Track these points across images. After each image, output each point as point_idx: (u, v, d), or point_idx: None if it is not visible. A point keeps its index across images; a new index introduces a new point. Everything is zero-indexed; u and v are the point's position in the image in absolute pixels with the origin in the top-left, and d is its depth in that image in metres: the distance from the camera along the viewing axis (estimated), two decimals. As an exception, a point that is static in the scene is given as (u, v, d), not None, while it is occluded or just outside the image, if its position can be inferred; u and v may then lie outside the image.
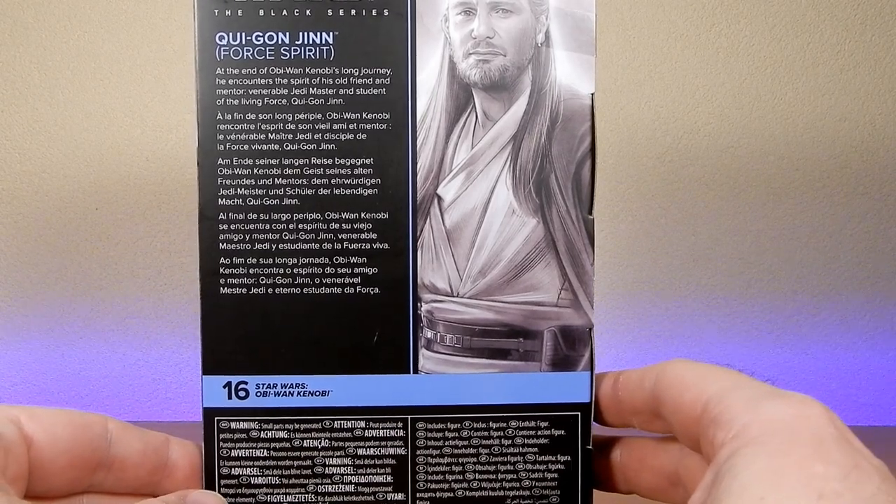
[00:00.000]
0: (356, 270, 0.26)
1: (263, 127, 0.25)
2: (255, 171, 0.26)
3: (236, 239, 0.26)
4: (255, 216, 0.26)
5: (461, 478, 0.27)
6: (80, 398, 0.60)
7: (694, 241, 0.60)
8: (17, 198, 0.59)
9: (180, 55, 0.58)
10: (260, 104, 0.25)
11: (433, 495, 0.27)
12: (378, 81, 0.25)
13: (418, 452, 0.26)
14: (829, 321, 0.61)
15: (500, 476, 0.27)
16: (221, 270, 0.26)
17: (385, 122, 0.25)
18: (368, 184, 0.26)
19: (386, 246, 0.26)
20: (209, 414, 0.27)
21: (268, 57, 0.25)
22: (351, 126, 0.25)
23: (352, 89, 0.25)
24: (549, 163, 0.25)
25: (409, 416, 0.26)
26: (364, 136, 0.26)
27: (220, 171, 0.26)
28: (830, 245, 0.60)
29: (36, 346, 0.60)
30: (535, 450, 0.26)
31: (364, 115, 0.25)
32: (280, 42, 0.25)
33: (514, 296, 0.25)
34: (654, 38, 0.59)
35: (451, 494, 0.27)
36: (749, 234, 0.60)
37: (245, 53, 0.25)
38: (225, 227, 0.26)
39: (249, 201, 0.26)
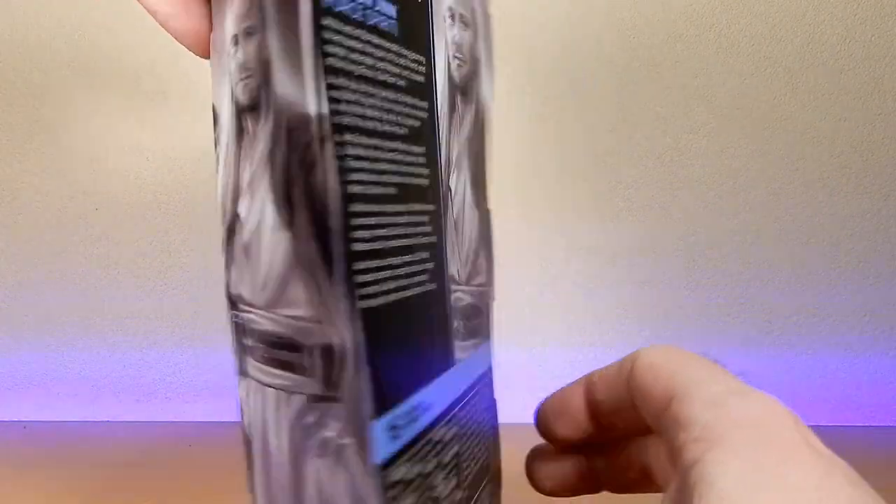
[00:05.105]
0: (424, 266, 0.23)
1: (365, 100, 0.21)
2: (370, 153, 0.21)
3: (367, 237, 0.21)
4: (374, 208, 0.21)
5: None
6: (81, 398, 0.60)
7: (694, 241, 0.60)
8: (17, 198, 0.59)
9: (180, 55, 0.58)
10: (358, 72, 0.20)
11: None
12: (420, 69, 0.23)
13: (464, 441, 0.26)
14: (829, 321, 0.61)
15: None
16: (357, 279, 0.20)
17: (426, 112, 0.23)
18: (425, 173, 0.23)
19: (435, 239, 0.24)
20: (386, 473, 0.21)
21: (361, 16, 0.21)
22: (411, 111, 0.23)
23: (408, 71, 0.22)
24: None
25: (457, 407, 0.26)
26: (418, 124, 0.23)
27: (346, 153, 0.20)
28: (830, 245, 0.61)
29: (36, 347, 0.60)
30: None
31: (417, 102, 0.23)
32: (366, 3, 0.21)
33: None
34: (653, 38, 0.59)
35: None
36: (749, 234, 0.60)
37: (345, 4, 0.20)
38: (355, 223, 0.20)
39: (371, 189, 0.21)
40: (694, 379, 0.21)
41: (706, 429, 0.19)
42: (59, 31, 0.58)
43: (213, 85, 0.23)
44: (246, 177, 0.22)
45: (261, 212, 0.21)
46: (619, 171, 0.60)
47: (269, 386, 0.22)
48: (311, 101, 0.19)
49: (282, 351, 0.22)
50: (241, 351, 0.23)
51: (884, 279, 0.61)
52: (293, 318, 0.21)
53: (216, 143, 0.23)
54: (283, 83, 0.20)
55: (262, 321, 0.22)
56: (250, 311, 0.23)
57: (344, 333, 0.20)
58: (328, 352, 0.20)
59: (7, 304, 0.59)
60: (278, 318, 0.22)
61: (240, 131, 0.22)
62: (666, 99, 0.60)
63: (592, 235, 0.60)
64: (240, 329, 0.23)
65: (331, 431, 0.21)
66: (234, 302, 0.23)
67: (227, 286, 0.23)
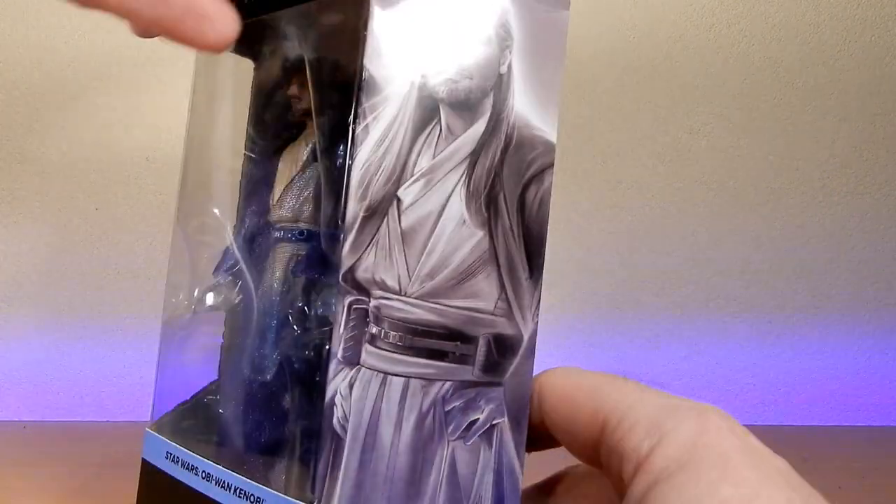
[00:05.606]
0: None
1: None
2: None
3: None
4: None
5: None
6: (81, 398, 0.60)
7: (694, 241, 0.61)
8: (18, 198, 0.59)
9: (180, 55, 0.58)
10: None
11: None
12: None
13: None
14: (829, 321, 0.61)
15: None
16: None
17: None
18: None
19: None
20: None
21: None
22: None
23: None
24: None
25: None
26: None
27: None
28: (830, 245, 0.61)
29: (36, 346, 0.60)
30: None
31: None
32: None
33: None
34: (653, 38, 0.59)
35: None
36: (749, 234, 0.60)
37: None
38: None
39: None
40: (623, 403, 0.21)
41: (648, 461, 0.19)
42: (59, 31, 0.58)
43: (375, 53, 0.23)
44: (423, 164, 0.24)
45: (442, 203, 0.24)
46: (619, 171, 0.60)
47: (398, 375, 0.23)
48: (553, 132, 0.26)
49: (429, 339, 0.23)
50: (355, 339, 0.23)
51: (884, 279, 0.61)
52: (468, 308, 0.24)
53: (361, 115, 0.23)
54: (525, 106, 0.25)
55: (409, 309, 0.23)
56: (392, 298, 0.23)
57: (523, 325, 0.24)
58: (499, 341, 0.24)
59: (7, 303, 0.59)
60: (440, 308, 0.23)
61: (425, 119, 0.24)
62: (666, 99, 0.60)
63: (592, 235, 0.60)
64: (363, 315, 0.23)
65: (479, 413, 0.23)
66: (362, 286, 0.23)
67: (352, 270, 0.23)
